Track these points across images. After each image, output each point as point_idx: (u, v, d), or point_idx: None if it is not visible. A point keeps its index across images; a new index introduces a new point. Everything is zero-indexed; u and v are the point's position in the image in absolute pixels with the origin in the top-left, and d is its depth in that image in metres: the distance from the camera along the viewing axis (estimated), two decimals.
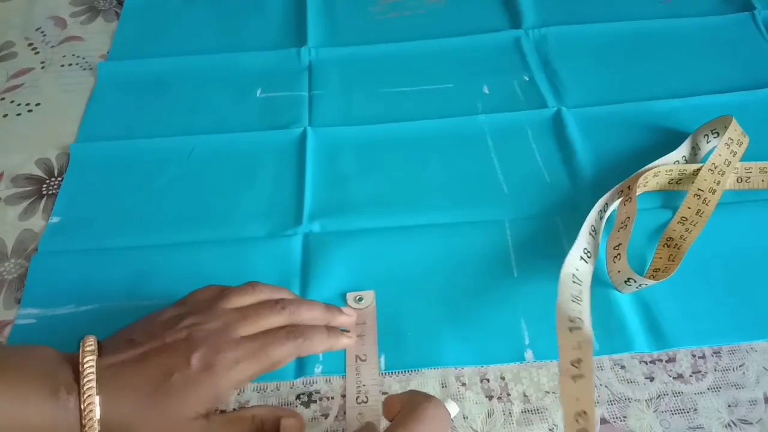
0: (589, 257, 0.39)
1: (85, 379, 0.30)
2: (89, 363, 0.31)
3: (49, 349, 0.32)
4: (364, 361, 0.37)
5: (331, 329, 0.37)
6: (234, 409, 0.36)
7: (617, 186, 0.43)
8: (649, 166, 0.44)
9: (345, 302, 0.40)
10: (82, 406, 0.30)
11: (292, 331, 0.35)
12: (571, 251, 0.38)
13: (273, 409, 0.34)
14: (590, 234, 0.40)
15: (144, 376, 0.31)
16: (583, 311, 0.34)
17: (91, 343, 0.32)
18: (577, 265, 0.38)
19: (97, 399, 0.30)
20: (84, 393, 0.30)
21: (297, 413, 0.34)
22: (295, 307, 0.36)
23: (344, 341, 0.37)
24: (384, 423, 0.34)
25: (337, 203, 0.46)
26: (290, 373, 0.37)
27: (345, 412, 0.36)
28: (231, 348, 0.33)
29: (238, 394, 0.37)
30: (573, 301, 0.35)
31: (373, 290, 0.40)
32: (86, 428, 0.30)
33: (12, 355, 0.32)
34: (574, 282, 0.36)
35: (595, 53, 0.56)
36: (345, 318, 0.38)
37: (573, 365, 0.31)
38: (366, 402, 0.36)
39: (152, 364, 0.32)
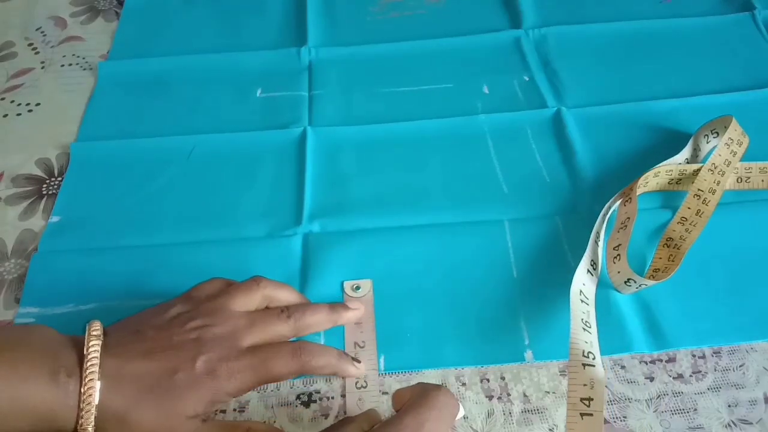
0: (594, 269, 0.39)
1: (89, 363, 0.30)
2: (94, 347, 0.31)
3: (50, 330, 0.32)
4: (363, 347, 0.38)
5: (342, 355, 0.36)
6: (234, 409, 0.36)
7: (619, 193, 0.43)
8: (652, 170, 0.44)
9: (342, 292, 0.40)
10: (82, 390, 0.30)
11: (300, 349, 0.34)
12: (579, 266, 0.38)
13: (270, 428, 0.34)
14: (595, 242, 0.40)
15: (148, 370, 0.31)
16: (593, 342, 0.34)
17: (96, 328, 0.32)
18: (584, 279, 0.37)
19: (97, 384, 0.30)
20: (86, 377, 0.30)
21: None
22: (300, 314, 0.36)
23: (352, 370, 0.36)
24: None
25: (337, 203, 0.46)
26: None
27: (344, 396, 0.36)
28: (235, 357, 0.33)
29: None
30: (584, 329, 0.34)
31: (370, 279, 0.41)
32: (83, 412, 0.30)
33: (11, 335, 0.32)
34: (582, 301, 0.36)
35: (595, 53, 0.56)
36: (352, 313, 0.38)
37: (583, 402, 0.31)
38: (365, 387, 0.36)
39: (157, 360, 0.32)
